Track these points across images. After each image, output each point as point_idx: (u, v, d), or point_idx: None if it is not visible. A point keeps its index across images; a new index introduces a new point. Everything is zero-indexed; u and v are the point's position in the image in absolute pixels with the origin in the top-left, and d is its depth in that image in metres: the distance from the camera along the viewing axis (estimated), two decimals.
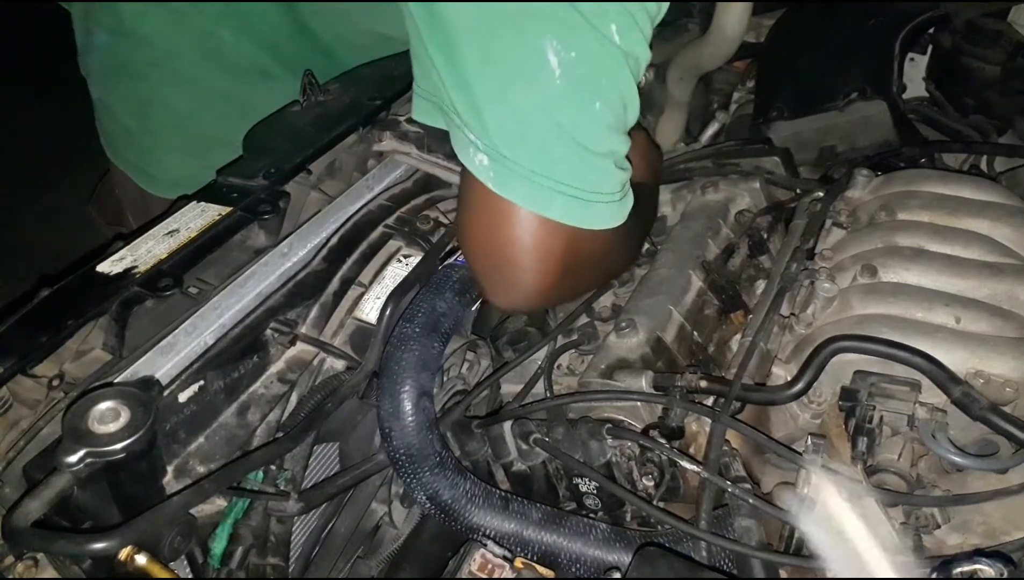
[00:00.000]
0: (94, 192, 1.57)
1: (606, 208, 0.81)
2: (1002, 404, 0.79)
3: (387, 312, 0.88)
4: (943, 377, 0.79)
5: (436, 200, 1.08)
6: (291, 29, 1.28)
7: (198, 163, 1.12)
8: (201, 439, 0.80)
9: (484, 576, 0.72)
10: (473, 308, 0.95)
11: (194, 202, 0.97)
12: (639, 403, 0.87)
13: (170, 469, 0.76)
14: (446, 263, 0.95)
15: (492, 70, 0.73)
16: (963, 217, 0.98)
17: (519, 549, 0.79)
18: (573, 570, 0.77)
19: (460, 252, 0.95)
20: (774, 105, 1.42)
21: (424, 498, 0.82)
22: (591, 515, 0.87)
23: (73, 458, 0.62)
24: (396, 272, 0.97)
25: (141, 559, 0.64)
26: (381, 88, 1.13)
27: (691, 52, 1.47)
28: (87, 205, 1.60)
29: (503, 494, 0.82)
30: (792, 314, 0.94)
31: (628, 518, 0.87)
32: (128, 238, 0.92)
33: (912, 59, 1.49)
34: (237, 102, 1.31)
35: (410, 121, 1.08)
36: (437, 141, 1.07)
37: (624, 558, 0.76)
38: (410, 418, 0.82)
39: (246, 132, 1.09)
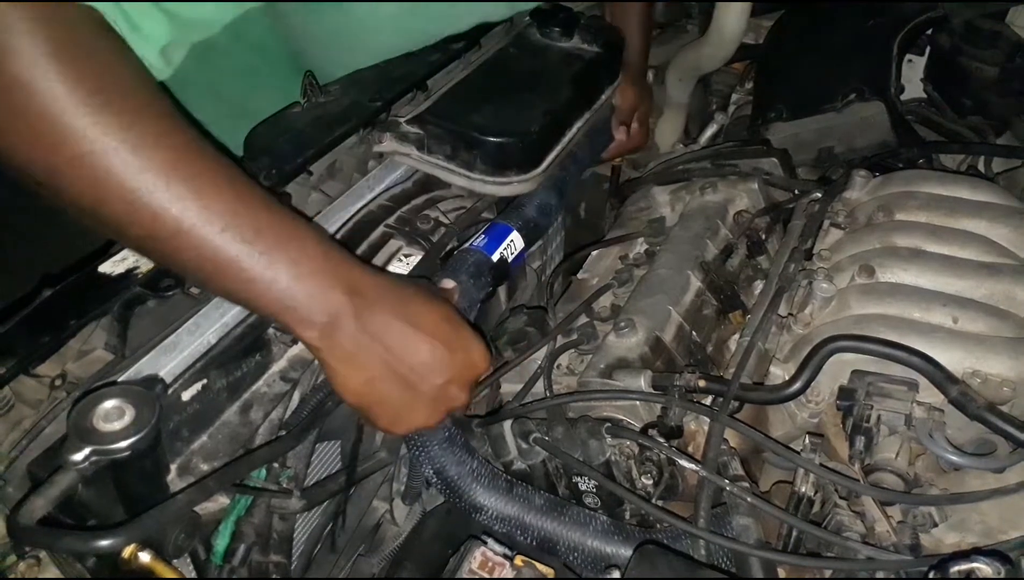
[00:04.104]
0: None
1: None
2: (999, 403, 0.79)
3: None
4: (940, 377, 0.79)
5: (436, 200, 1.09)
6: (276, 31, 1.28)
7: None
8: (204, 437, 0.80)
9: (485, 574, 0.73)
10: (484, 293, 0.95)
11: None
12: (638, 402, 0.87)
13: (174, 467, 0.76)
14: (461, 248, 0.95)
15: None
16: (961, 218, 0.98)
17: (519, 533, 0.79)
18: (571, 558, 0.78)
19: (471, 239, 0.96)
20: (773, 106, 1.42)
21: (431, 471, 0.82)
22: None
23: (78, 456, 0.63)
24: (397, 271, 0.98)
25: (145, 557, 0.64)
26: (381, 90, 1.14)
27: (690, 53, 1.48)
28: None
29: (508, 478, 0.83)
30: (790, 314, 0.95)
31: (627, 516, 0.88)
32: None
33: (910, 60, 1.50)
34: (228, 103, 1.31)
35: (410, 122, 1.08)
36: (437, 142, 1.07)
37: (622, 551, 0.76)
38: None
39: (238, 132, 1.09)
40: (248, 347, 0.84)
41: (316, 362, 0.89)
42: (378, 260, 0.98)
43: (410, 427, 0.78)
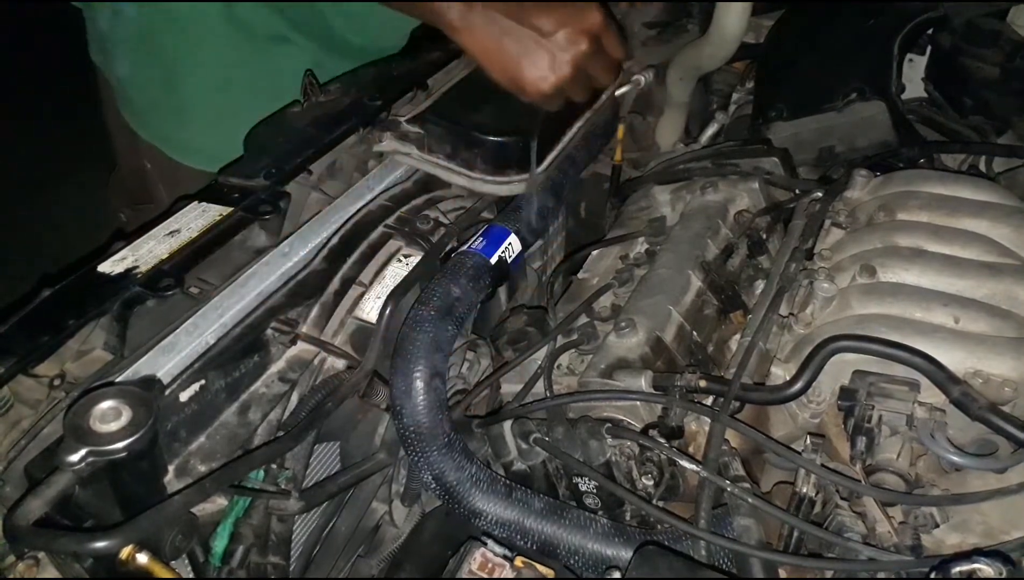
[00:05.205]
0: (111, 177, 1.57)
1: None
2: (1001, 404, 0.79)
3: (387, 311, 0.89)
4: (942, 377, 0.79)
5: (436, 200, 1.09)
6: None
7: (224, 130, 1.12)
8: (202, 438, 0.80)
9: (484, 575, 0.72)
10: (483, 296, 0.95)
11: (195, 202, 0.98)
12: (639, 403, 0.87)
13: (171, 468, 0.76)
14: (459, 250, 0.95)
15: None
16: (962, 217, 0.98)
17: (519, 537, 0.79)
18: (572, 562, 0.78)
19: (468, 242, 0.96)
20: (773, 106, 1.42)
21: (430, 477, 0.82)
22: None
23: (75, 457, 0.62)
24: (396, 272, 0.97)
25: (142, 558, 0.64)
26: (382, 88, 1.14)
27: (691, 52, 1.47)
28: (106, 188, 1.59)
29: (507, 482, 0.83)
30: (791, 314, 0.94)
31: (627, 517, 0.87)
32: (129, 238, 0.92)
33: (911, 60, 1.49)
34: (258, 68, 1.33)
35: (410, 122, 1.08)
36: (437, 141, 1.07)
37: (623, 553, 0.76)
38: (421, 397, 0.82)
39: (269, 98, 1.10)
40: (246, 348, 0.84)
41: (315, 363, 0.89)
42: (378, 260, 0.98)
43: (549, 80, 0.99)
